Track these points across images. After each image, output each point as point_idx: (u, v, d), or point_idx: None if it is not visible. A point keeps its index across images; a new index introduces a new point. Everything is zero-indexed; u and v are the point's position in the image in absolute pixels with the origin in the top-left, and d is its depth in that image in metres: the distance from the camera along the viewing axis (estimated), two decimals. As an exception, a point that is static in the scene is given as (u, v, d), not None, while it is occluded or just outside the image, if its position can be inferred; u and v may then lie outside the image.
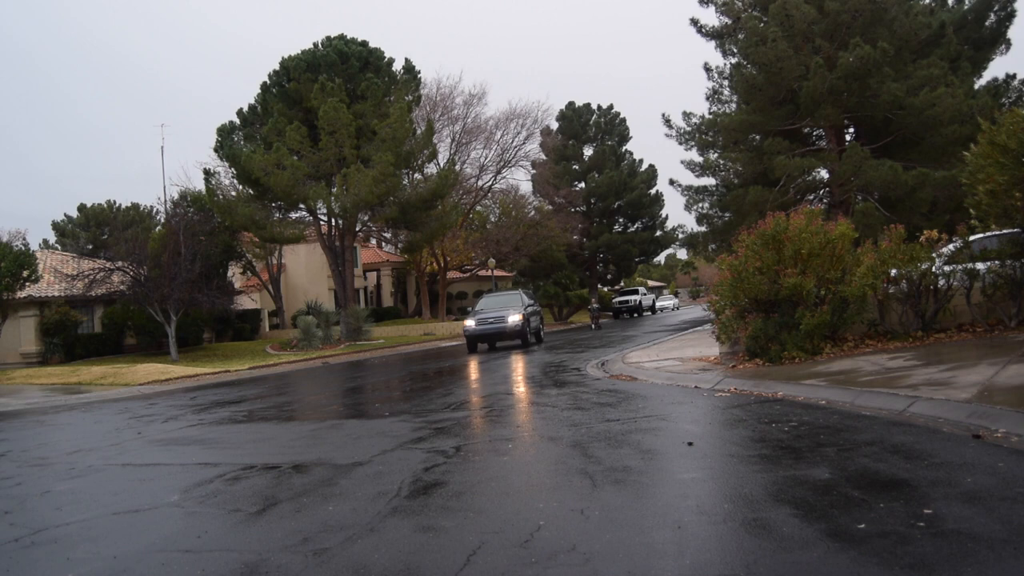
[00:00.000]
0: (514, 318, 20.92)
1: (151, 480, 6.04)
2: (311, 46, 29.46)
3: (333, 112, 26.26)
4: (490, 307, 22.17)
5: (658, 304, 53.85)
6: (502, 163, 41.67)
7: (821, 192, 25.41)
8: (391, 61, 30.44)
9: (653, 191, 52.27)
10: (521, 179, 77.72)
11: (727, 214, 26.13)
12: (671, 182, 28.33)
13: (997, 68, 46.99)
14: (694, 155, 26.81)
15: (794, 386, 8.22)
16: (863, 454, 4.92)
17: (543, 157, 47.52)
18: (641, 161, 53.18)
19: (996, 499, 3.71)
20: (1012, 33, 24.36)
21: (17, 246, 24.83)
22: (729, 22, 25.09)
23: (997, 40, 24.44)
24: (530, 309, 22.35)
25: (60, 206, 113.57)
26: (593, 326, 32.57)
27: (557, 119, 51.31)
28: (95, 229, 59.71)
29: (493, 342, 22.13)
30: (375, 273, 45.94)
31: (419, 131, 30.54)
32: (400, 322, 38.52)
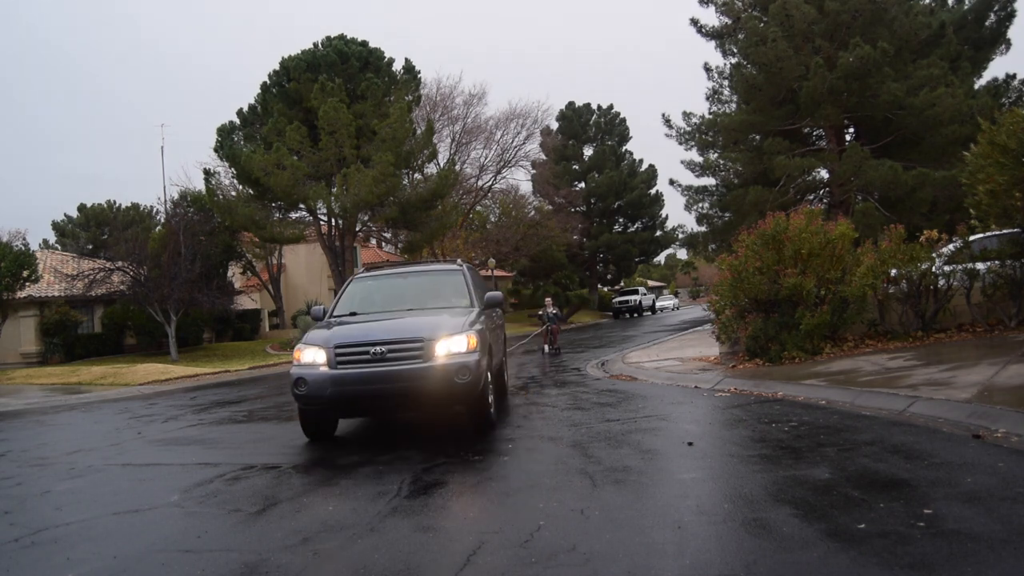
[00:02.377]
0: (451, 344, 6.41)
1: (151, 480, 6.04)
2: (311, 46, 29.46)
3: (333, 112, 26.25)
4: (379, 307, 7.78)
5: (658, 304, 53.82)
6: (502, 163, 41.68)
7: (821, 192, 25.39)
8: (391, 61, 30.43)
9: (653, 191, 52.30)
10: (521, 179, 77.84)
11: (727, 214, 26.11)
12: (671, 182, 28.33)
13: (997, 68, 47.05)
14: (694, 155, 26.81)
15: (794, 386, 8.22)
16: (863, 454, 4.92)
17: (543, 157, 47.52)
18: (641, 161, 53.22)
19: (996, 499, 3.71)
20: (1012, 33, 24.36)
21: (17, 246, 24.80)
22: (729, 22, 25.08)
23: (997, 40, 24.43)
24: (485, 321, 7.46)
25: (60, 206, 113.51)
26: (547, 348, 17.89)
27: (557, 119, 51.35)
28: (95, 229, 59.67)
29: (374, 412, 7.48)
30: (375, 273, 45.84)
31: (419, 131, 30.53)
32: (400, 322, 38.41)
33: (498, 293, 8.13)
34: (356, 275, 8.75)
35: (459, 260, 8.71)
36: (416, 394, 6.25)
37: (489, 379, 6.90)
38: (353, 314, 7.52)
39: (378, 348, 6.27)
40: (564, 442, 6.24)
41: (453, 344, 6.34)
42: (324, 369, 6.32)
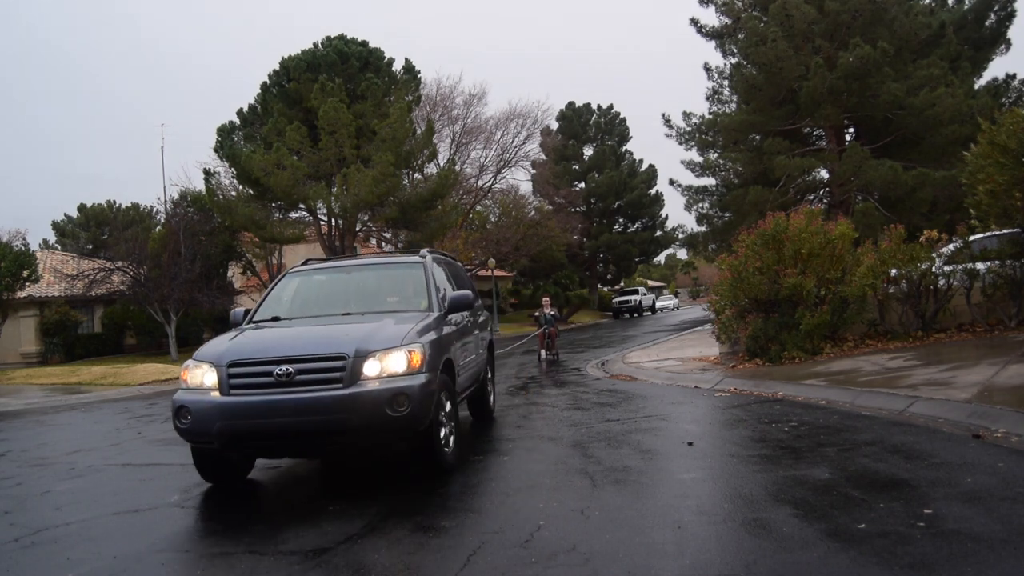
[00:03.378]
0: (386, 362, 4.87)
1: (151, 480, 6.05)
2: (311, 46, 29.48)
3: (333, 112, 26.25)
4: (312, 310, 6.32)
5: (658, 304, 53.83)
6: (502, 163, 41.61)
7: (821, 192, 25.38)
8: (391, 61, 30.45)
9: (653, 191, 52.28)
10: (521, 179, 77.75)
11: (727, 214, 26.10)
12: (671, 182, 28.29)
13: (997, 68, 46.77)
14: (694, 155, 26.79)
15: (794, 386, 8.23)
16: (863, 454, 4.92)
17: (543, 157, 47.48)
18: (641, 161, 53.21)
19: (996, 499, 3.72)
20: (1012, 33, 24.34)
21: (17, 246, 24.82)
22: (729, 22, 25.07)
23: (997, 40, 24.42)
24: (458, 323, 6.42)
25: (60, 206, 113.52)
26: (544, 354, 15.94)
27: (557, 119, 51.31)
28: (95, 229, 59.65)
29: (282, 453, 5.30)
30: (375, 273, 45.72)
31: (419, 131, 30.53)
32: (400, 322, 38.33)
33: (466, 293, 6.39)
34: (291, 269, 7.06)
35: (425, 251, 7.00)
36: (334, 432, 4.65)
37: (446, 406, 5.32)
38: (276, 319, 5.96)
39: (284, 367, 4.68)
40: (564, 442, 6.24)
41: (389, 362, 4.80)
42: (214, 395, 4.78)
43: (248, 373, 4.78)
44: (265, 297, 6.54)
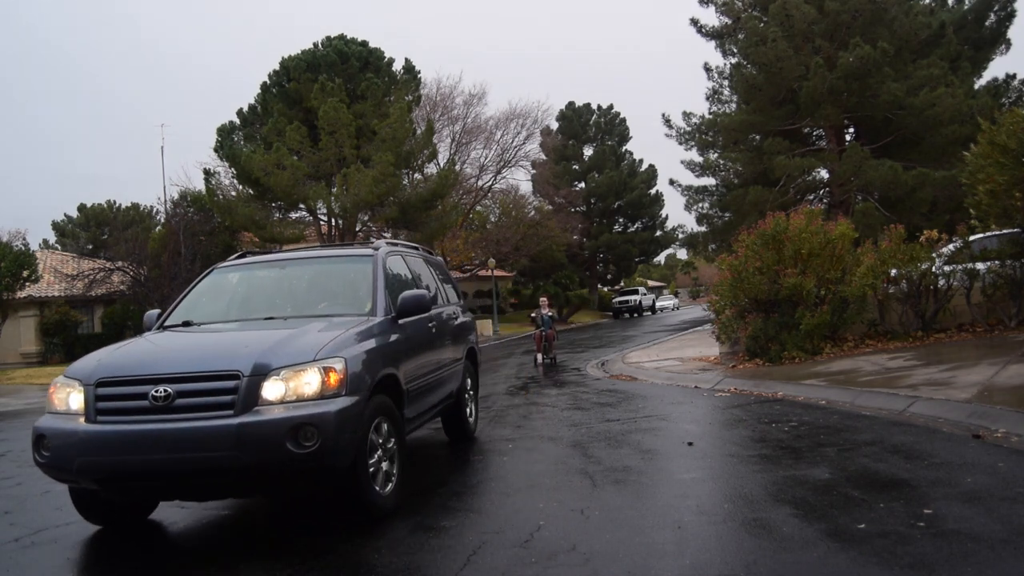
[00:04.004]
0: (294, 382, 3.84)
1: (151, 480, 6.03)
2: (311, 46, 29.51)
3: (333, 112, 26.26)
4: (232, 314, 5.31)
5: (658, 304, 53.81)
6: (502, 163, 41.62)
7: (821, 192, 25.40)
8: (391, 61, 30.48)
9: (653, 191, 52.29)
10: (521, 179, 77.65)
11: (727, 214, 26.11)
12: (671, 182, 28.28)
13: (997, 68, 46.61)
14: (694, 155, 26.80)
15: (794, 386, 8.23)
16: (863, 454, 4.92)
17: (543, 157, 47.48)
18: (641, 161, 53.21)
19: (996, 499, 3.72)
20: (1012, 33, 24.34)
21: (17, 246, 24.86)
22: (729, 22, 25.08)
23: (997, 40, 24.43)
24: (416, 329, 5.27)
25: (60, 206, 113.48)
26: (540, 357, 15.14)
27: (557, 119, 51.30)
28: (95, 229, 59.63)
29: (166, 496, 4.37)
30: (375, 273, 45.69)
31: (419, 131, 30.55)
32: (400, 322, 38.32)
33: (420, 292, 5.20)
34: (219, 264, 5.94)
35: (381, 242, 5.83)
36: (220, 473, 3.66)
37: (383, 435, 4.27)
38: (187, 323, 5.02)
39: (161, 388, 3.70)
40: (564, 442, 6.24)
41: (296, 382, 3.79)
42: (79, 422, 3.83)
43: (118, 395, 3.84)
44: (183, 297, 5.45)
